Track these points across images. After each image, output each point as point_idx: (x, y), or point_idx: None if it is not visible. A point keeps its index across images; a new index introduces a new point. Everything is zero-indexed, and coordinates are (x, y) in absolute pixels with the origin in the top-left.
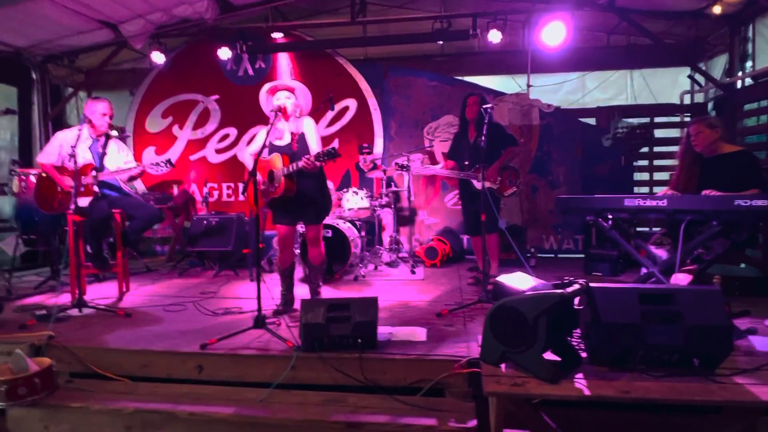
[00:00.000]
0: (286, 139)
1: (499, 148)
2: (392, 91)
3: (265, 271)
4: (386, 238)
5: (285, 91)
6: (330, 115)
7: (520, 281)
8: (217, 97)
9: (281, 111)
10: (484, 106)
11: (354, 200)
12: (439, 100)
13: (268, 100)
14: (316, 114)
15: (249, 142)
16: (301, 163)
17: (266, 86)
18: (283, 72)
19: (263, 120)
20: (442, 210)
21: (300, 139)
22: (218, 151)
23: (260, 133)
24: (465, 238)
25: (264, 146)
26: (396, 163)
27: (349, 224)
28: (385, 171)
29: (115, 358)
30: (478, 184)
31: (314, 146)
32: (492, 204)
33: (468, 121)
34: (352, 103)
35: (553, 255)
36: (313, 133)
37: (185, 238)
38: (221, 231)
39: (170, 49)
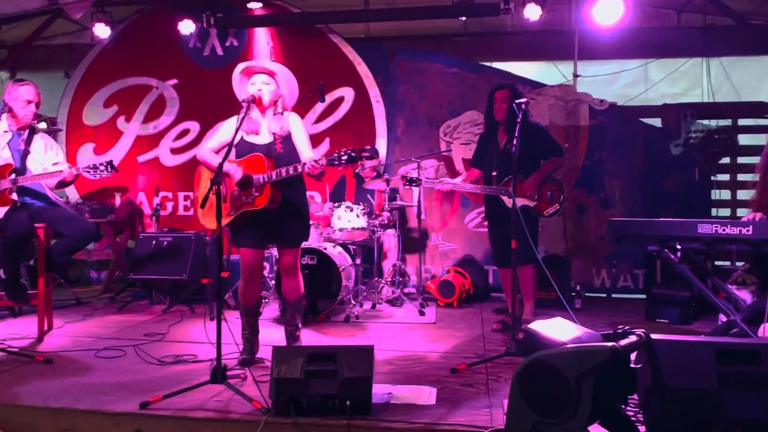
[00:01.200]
0: (265, 137)
1: (537, 156)
2: (400, 78)
3: (230, 307)
4: (388, 268)
5: (263, 75)
6: (319, 108)
7: (559, 329)
8: (175, 82)
9: (255, 102)
10: (516, 102)
11: (347, 218)
12: (459, 91)
13: (242, 83)
14: (301, 106)
15: None
16: (308, 167)
17: (241, 66)
18: (260, 52)
19: (235, 112)
20: (461, 233)
21: (286, 140)
22: (175, 151)
23: (225, 125)
24: (491, 269)
25: (231, 144)
26: (403, 176)
27: (340, 249)
28: (388, 181)
29: (29, 418)
30: (509, 201)
31: (305, 149)
32: (526, 227)
33: (496, 121)
34: (348, 93)
35: (604, 294)
36: (302, 133)
37: (128, 263)
38: (175, 254)
39: (117, 21)
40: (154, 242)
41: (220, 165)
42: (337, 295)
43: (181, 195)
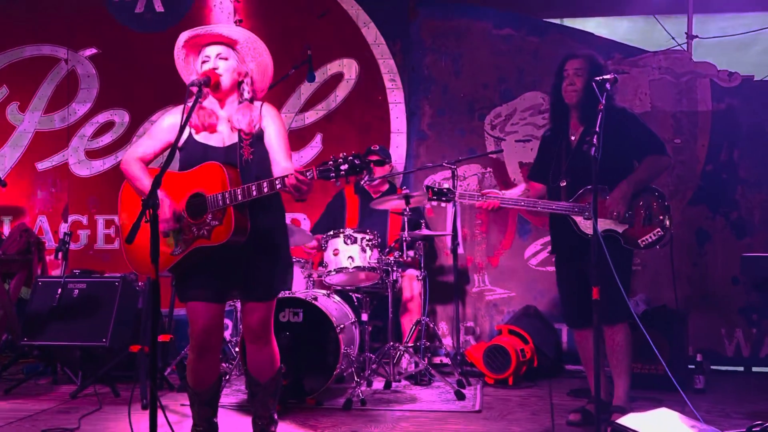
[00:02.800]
0: (225, 136)
1: (628, 157)
2: (426, 45)
3: (173, 388)
4: (410, 327)
5: (218, 47)
6: (306, 89)
7: (664, 428)
8: (93, 52)
9: (207, 85)
10: (597, 79)
11: (348, 253)
12: (515, 63)
13: (189, 60)
14: (279, 88)
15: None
16: (289, 181)
17: (183, 36)
18: (219, 10)
19: (181, 97)
20: (519, 274)
21: (257, 141)
22: (93, 154)
23: (168, 120)
24: (565, 329)
25: (174, 148)
26: (428, 187)
27: (337, 299)
28: (408, 198)
29: None
30: (587, 225)
31: (280, 155)
32: (613, 265)
33: (567, 107)
34: (349, 68)
35: (741, 368)
36: (280, 132)
37: (20, 321)
38: (90, 309)
39: None
40: (59, 291)
41: (157, 178)
42: (333, 370)
43: (101, 220)
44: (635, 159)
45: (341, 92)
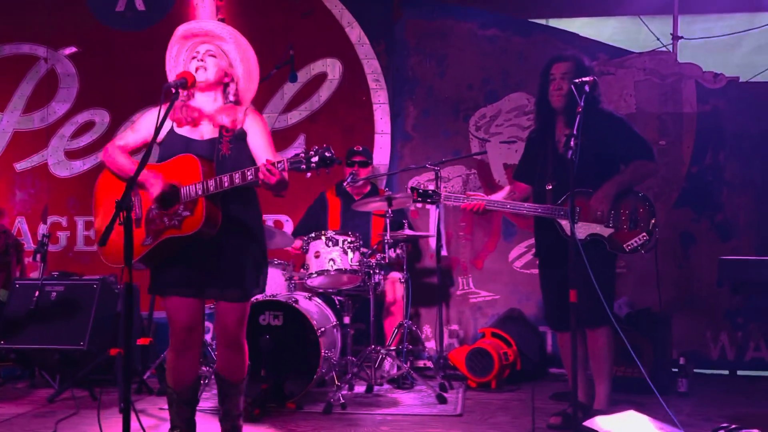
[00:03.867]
0: (206, 130)
1: (614, 161)
2: (411, 46)
3: (151, 392)
4: (392, 330)
5: (208, 45)
6: (290, 89)
7: (631, 429)
8: (73, 50)
9: (184, 87)
10: (576, 81)
11: (330, 255)
12: (500, 64)
13: (180, 55)
14: (263, 88)
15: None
16: (261, 173)
17: (180, 29)
18: (202, 8)
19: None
20: (503, 276)
21: (237, 139)
22: (72, 155)
23: (148, 117)
24: (549, 332)
25: (152, 142)
26: (413, 188)
27: (318, 302)
28: (390, 200)
29: None
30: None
31: (263, 153)
32: (597, 268)
33: (553, 110)
34: (333, 68)
35: (726, 371)
36: (264, 136)
37: None
38: (68, 311)
39: None
40: (36, 293)
41: (132, 179)
42: (313, 373)
43: (80, 221)
44: (622, 163)
45: (325, 92)
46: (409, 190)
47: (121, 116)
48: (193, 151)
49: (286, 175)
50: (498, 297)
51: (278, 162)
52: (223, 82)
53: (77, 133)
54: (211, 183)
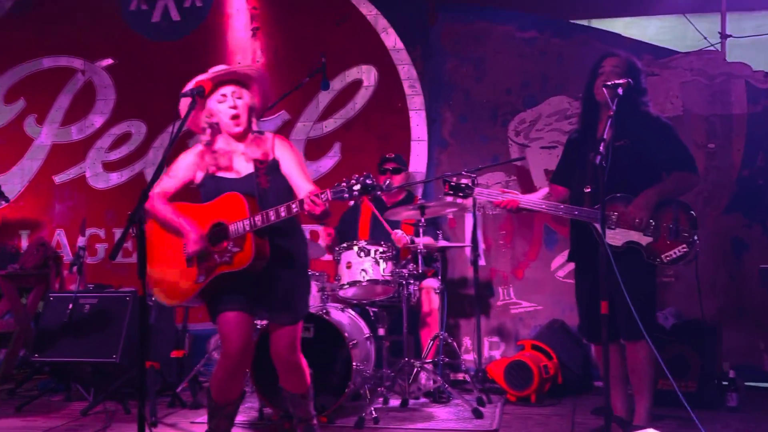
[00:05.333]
0: (241, 167)
1: (659, 168)
2: (446, 50)
3: (184, 405)
4: (427, 342)
5: (232, 86)
6: (324, 97)
7: None
8: (110, 62)
9: (201, 95)
10: (608, 83)
11: (362, 265)
12: (539, 67)
13: (198, 108)
14: (297, 96)
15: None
16: (306, 204)
17: (200, 78)
18: (234, 17)
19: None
20: (545, 285)
21: (272, 170)
22: (110, 166)
23: (184, 159)
24: (593, 346)
25: (162, 161)
26: (444, 179)
27: (351, 313)
28: (423, 207)
29: None
30: (610, 235)
31: (302, 182)
32: (634, 278)
33: (598, 105)
34: (368, 75)
35: None
36: (295, 159)
37: (35, 337)
38: (101, 324)
39: None
40: (70, 306)
41: (144, 192)
42: (345, 386)
43: (118, 233)
44: (665, 171)
45: (360, 100)
46: (446, 187)
47: (157, 127)
48: (238, 189)
49: (328, 205)
50: (540, 308)
51: (321, 193)
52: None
53: (114, 145)
54: (258, 218)
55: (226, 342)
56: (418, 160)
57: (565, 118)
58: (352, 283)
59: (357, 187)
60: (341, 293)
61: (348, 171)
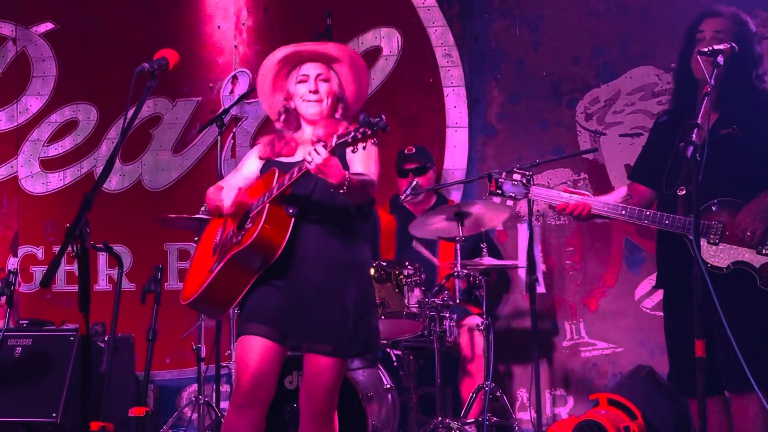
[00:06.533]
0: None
1: None
2: (493, 7)
3: None
4: (469, 393)
5: (317, 64)
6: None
7: None
8: (50, 27)
9: (164, 69)
10: (704, 50)
11: (381, 294)
12: (617, 27)
13: (278, 81)
14: None
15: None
16: (305, 162)
17: (281, 53)
18: None
19: (187, 85)
20: (627, 319)
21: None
22: (50, 165)
23: (248, 158)
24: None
25: (110, 168)
26: (489, 175)
27: (362, 359)
28: (462, 216)
29: None
30: (711, 253)
31: (362, 164)
32: (743, 311)
33: (698, 83)
34: (388, 41)
35: None
36: (370, 150)
37: None
38: (37, 373)
39: None
40: None
41: (87, 198)
42: None
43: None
44: None
45: (378, 74)
46: (488, 180)
47: (112, 112)
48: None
49: (353, 179)
50: (620, 350)
51: (319, 141)
52: (332, 108)
53: (56, 136)
54: (275, 186)
55: (238, 368)
56: (456, 153)
57: (652, 95)
58: None
59: (362, 130)
60: None
61: None
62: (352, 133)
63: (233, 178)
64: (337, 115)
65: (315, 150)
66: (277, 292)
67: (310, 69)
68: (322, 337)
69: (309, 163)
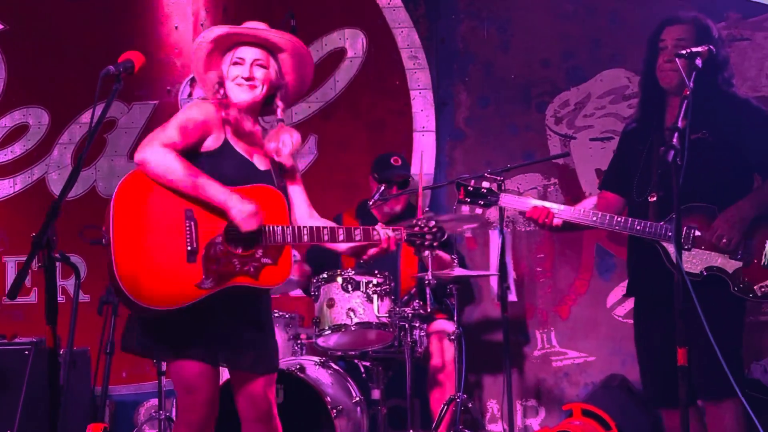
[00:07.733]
0: (258, 161)
1: (749, 168)
2: (460, 8)
3: None
4: (439, 406)
5: (255, 49)
6: None
7: None
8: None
9: (130, 71)
10: (682, 52)
11: (350, 304)
12: (587, 29)
13: (213, 60)
14: None
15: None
16: (380, 236)
17: (216, 31)
18: None
19: (147, 84)
20: (599, 328)
21: (282, 174)
22: None
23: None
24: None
25: (76, 176)
26: (458, 183)
27: (334, 369)
28: (436, 230)
29: None
30: (684, 258)
31: (301, 198)
32: (718, 316)
33: (663, 92)
34: (353, 42)
35: None
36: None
37: None
38: None
39: None
40: None
41: (54, 206)
42: None
43: (11, 262)
44: (758, 173)
45: (343, 76)
46: (461, 191)
47: (64, 116)
48: (258, 182)
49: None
50: (592, 359)
51: (395, 230)
52: (266, 95)
53: (6, 141)
54: (306, 233)
55: (192, 393)
56: (424, 158)
57: (623, 98)
58: (336, 328)
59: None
60: (321, 342)
61: (328, 173)
62: (418, 237)
63: (174, 135)
64: (279, 114)
65: (391, 234)
66: (234, 309)
67: (247, 53)
68: (263, 358)
69: (385, 251)
